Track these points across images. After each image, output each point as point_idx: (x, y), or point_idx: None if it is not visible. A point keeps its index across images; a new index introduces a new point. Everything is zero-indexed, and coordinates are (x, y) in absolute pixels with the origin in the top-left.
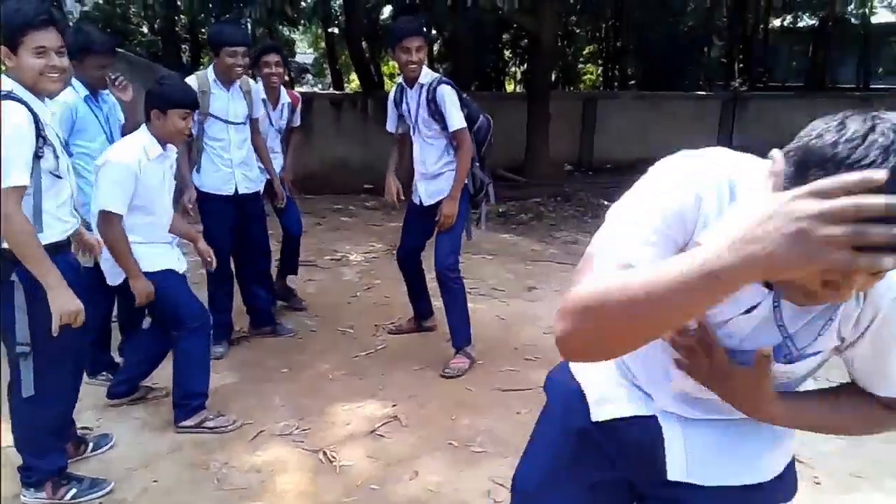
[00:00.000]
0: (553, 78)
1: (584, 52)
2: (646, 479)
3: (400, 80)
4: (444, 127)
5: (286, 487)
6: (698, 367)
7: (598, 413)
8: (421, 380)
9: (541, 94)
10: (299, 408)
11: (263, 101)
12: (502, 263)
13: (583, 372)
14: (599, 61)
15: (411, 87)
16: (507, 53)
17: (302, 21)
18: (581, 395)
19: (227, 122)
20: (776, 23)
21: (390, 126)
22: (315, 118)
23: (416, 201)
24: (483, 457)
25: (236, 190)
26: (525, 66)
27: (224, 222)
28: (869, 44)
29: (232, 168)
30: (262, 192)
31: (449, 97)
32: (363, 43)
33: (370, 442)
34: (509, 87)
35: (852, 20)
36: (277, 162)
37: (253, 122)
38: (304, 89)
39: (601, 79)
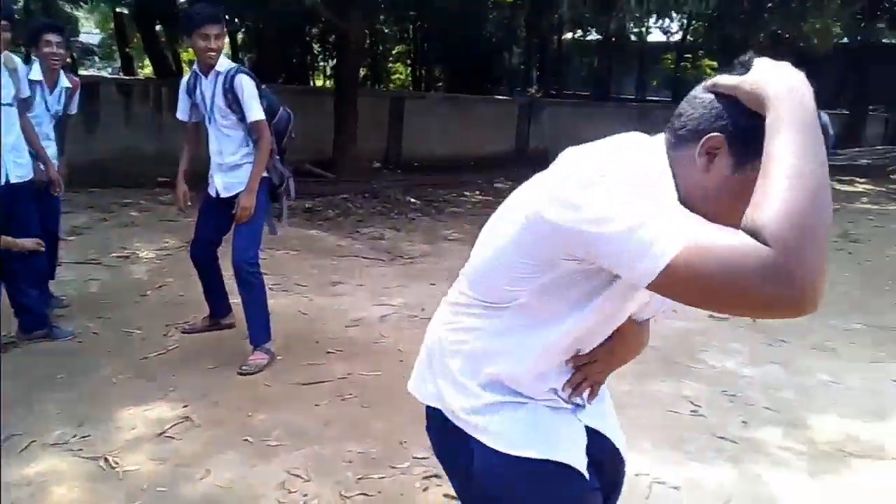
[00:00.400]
0: (363, 75)
1: (394, 52)
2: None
3: (195, 67)
4: (242, 118)
5: (60, 499)
6: (593, 372)
7: (583, 466)
8: (216, 378)
9: (349, 90)
10: (77, 415)
11: (40, 83)
12: (307, 259)
13: (544, 442)
14: (408, 62)
15: (206, 76)
16: (316, 48)
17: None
18: (565, 472)
19: None
20: (569, 35)
21: (180, 114)
22: (102, 105)
23: (213, 193)
24: (279, 449)
25: (7, 179)
26: (334, 61)
27: None
28: (645, 60)
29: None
30: (34, 179)
31: (247, 87)
32: (157, 26)
33: (158, 445)
34: (319, 83)
35: (632, 37)
36: (51, 150)
37: (21, 103)
38: (90, 73)
39: (410, 79)
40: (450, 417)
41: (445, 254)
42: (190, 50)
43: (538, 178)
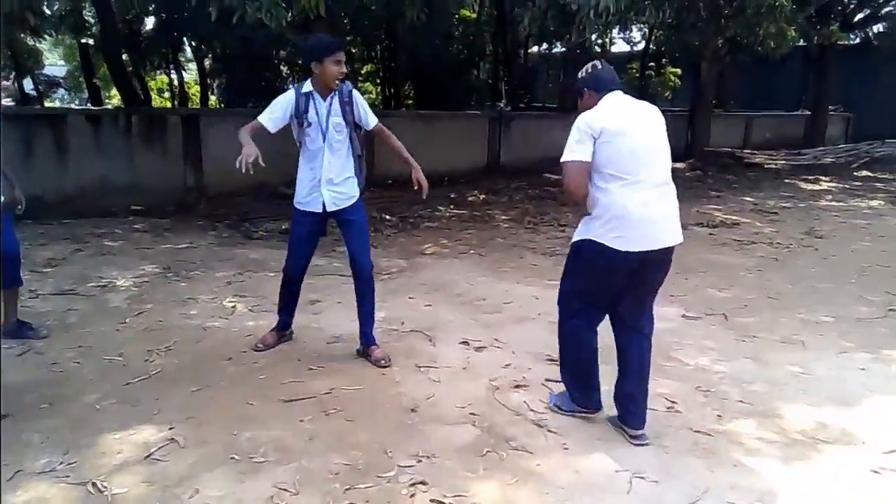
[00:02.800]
0: None
1: (363, 72)
2: None
3: (308, 89)
4: (352, 131)
5: None
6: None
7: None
8: (200, 400)
9: None
10: (63, 443)
11: None
12: None
13: None
14: (378, 81)
15: (324, 98)
16: (284, 70)
17: (47, 31)
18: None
19: None
20: (534, 49)
21: (271, 125)
22: (70, 136)
23: (317, 209)
24: (266, 465)
25: None
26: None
27: None
28: None
29: None
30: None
31: (361, 97)
32: (124, 56)
33: (145, 467)
34: None
35: (596, 48)
36: None
37: None
38: (56, 104)
39: (380, 98)
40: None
41: (422, 268)
42: (160, 78)
43: (654, 114)
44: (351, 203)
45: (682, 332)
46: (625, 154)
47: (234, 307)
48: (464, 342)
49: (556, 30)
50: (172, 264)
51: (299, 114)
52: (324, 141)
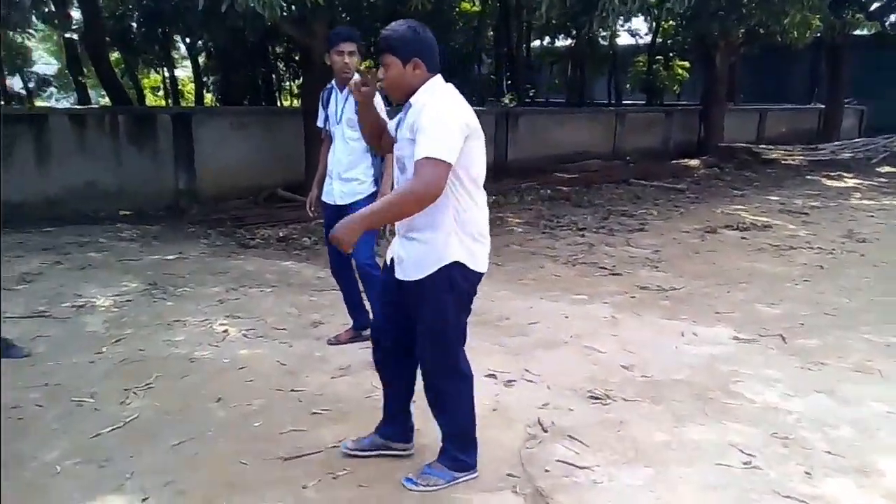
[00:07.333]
0: None
1: (362, 67)
2: None
3: (333, 82)
4: None
5: None
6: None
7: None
8: (182, 457)
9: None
10: None
11: None
12: (283, 296)
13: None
14: None
15: (342, 90)
16: (281, 66)
17: (16, 24)
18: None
19: None
20: (537, 43)
21: (319, 122)
22: (53, 137)
23: (330, 201)
24: None
25: None
26: (300, 80)
27: None
28: (616, 63)
29: None
30: None
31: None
32: (116, 53)
33: None
34: (286, 102)
35: (601, 41)
36: None
37: None
38: (43, 103)
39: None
40: None
41: None
42: (154, 76)
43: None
44: (359, 198)
45: (739, 359)
46: (481, 157)
47: (225, 331)
48: (490, 374)
49: (574, 18)
50: (159, 279)
51: (325, 104)
52: (335, 134)
